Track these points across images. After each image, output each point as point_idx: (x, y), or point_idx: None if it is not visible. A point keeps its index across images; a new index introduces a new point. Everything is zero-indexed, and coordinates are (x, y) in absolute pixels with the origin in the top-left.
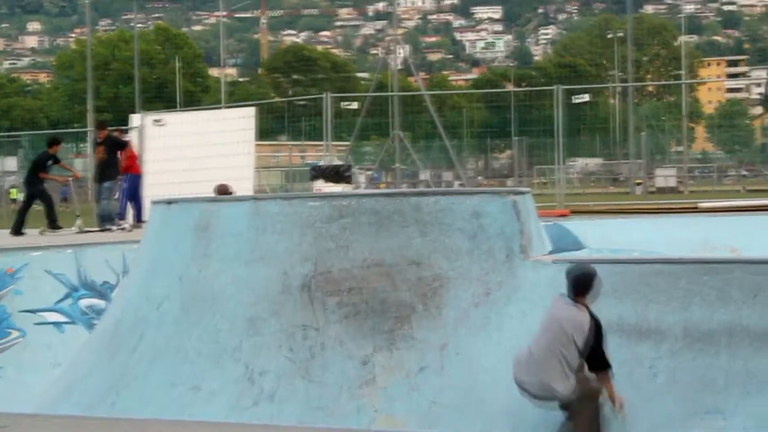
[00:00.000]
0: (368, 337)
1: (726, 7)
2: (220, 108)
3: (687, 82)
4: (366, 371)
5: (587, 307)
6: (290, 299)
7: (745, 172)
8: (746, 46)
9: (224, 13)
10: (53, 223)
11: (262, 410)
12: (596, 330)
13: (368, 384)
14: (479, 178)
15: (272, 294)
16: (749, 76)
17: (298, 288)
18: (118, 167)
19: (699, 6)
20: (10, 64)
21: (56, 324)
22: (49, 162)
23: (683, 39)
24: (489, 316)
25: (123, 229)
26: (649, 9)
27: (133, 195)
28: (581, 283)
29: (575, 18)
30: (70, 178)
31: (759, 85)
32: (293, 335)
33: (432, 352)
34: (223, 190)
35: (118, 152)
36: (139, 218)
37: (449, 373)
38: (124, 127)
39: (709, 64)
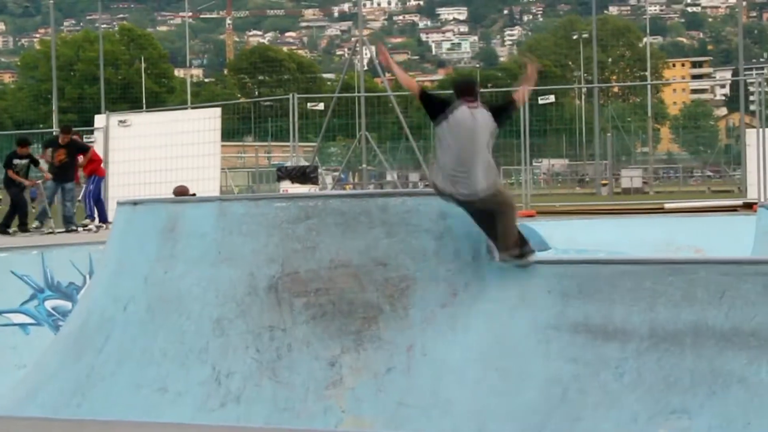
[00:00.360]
0: (335, 338)
1: (690, 9)
2: (185, 108)
3: (652, 83)
4: (333, 372)
5: (480, 104)
6: (257, 300)
7: (709, 173)
8: (710, 47)
9: (189, 14)
10: (23, 227)
11: (228, 411)
12: (493, 109)
13: (335, 385)
14: None
15: (239, 295)
16: (713, 77)
17: (264, 289)
18: (75, 170)
19: (663, 7)
20: None
21: (21, 325)
22: (15, 161)
23: (647, 40)
24: (456, 317)
25: (89, 230)
26: (613, 10)
27: (98, 197)
28: (469, 86)
29: (540, 19)
30: (39, 181)
31: (723, 86)
32: (260, 336)
33: (399, 353)
34: (181, 192)
35: (79, 156)
36: (103, 219)
37: (416, 373)
38: (88, 128)
39: (673, 65)
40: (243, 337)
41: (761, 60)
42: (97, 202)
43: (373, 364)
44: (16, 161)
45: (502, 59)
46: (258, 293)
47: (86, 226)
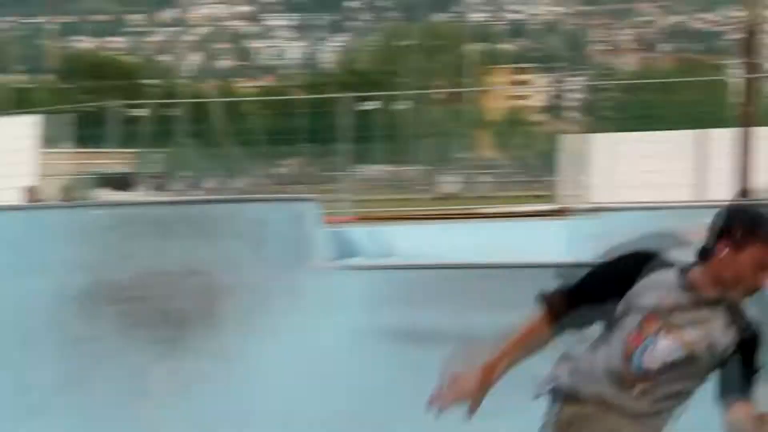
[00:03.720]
0: (147, 347)
1: (512, 16)
2: (3, 115)
3: (473, 90)
4: (144, 382)
5: None
6: (67, 310)
7: (527, 178)
8: (532, 54)
9: (12, 18)
10: None
11: (34, 423)
12: None
13: (145, 395)
14: (265, 185)
15: (48, 305)
16: (533, 84)
17: (75, 298)
18: None
19: (487, 15)
20: None
21: None
22: None
23: (470, 47)
24: (270, 325)
25: None
26: (438, 18)
27: None
28: None
29: (365, 26)
30: None
31: (543, 93)
32: (69, 347)
33: (211, 362)
34: None
35: None
36: None
37: (229, 382)
38: None
39: (496, 72)
40: (51, 348)
41: (582, 67)
42: None
43: (185, 374)
44: None
45: (326, 65)
46: (69, 303)
47: None
